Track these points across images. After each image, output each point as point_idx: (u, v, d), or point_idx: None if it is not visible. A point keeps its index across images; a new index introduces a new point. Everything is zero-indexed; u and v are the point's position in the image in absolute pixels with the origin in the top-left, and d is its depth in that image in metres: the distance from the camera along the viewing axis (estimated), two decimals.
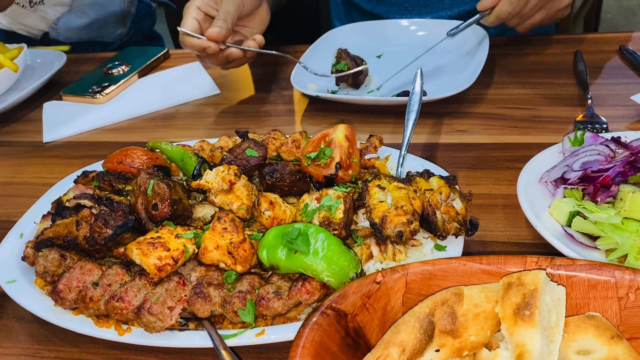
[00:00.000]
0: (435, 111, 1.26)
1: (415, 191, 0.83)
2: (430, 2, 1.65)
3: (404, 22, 1.57)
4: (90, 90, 1.53)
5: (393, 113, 1.27)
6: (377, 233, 0.80)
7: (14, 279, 0.88)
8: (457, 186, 0.87)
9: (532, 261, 0.71)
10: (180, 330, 0.77)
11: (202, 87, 1.52)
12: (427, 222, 0.82)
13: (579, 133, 0.99)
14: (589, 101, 1.21)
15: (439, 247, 0.83)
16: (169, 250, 0.79)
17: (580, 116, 1.17)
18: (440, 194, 0.83)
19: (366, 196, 0.85)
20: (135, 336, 0.76)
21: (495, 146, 1.14)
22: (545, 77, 1.36)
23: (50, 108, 1.52)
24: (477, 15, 1.35)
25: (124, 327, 0.78)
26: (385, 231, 0.79)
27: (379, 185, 0.84)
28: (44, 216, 0.98)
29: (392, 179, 0.86)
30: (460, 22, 1.38)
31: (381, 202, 0.81)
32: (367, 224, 0.85)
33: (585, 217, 0.84)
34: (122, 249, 0.84)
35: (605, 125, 1.13)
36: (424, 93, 1.26)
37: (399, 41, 1.54)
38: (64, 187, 1.06)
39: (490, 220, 0.95)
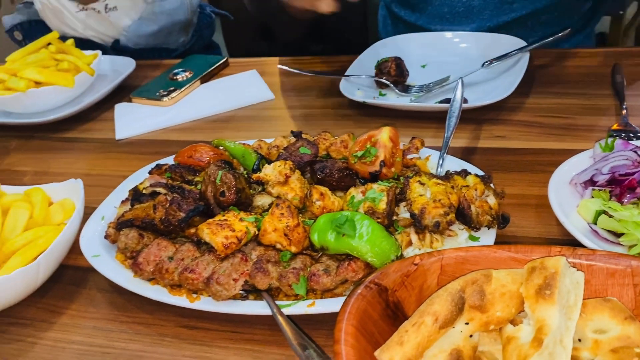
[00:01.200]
0: (476, 117, 1.34)
1: (452, 187, 0.93)
2: (470, 13, 1.72)
3: (448, 34, 1.67)
4: (158, 94, 1.69)
5: (435, 119, 1.36)
6: (417, 223, 0.90)
7: (99, 254, 1.02)
8: (491, 184, 0.96)
9: (556, 250, 0.79)
10: (242, 300, 0.89)
11: (258, 92, 1.65)
12: (462, 214, 0.91)
13: (609, 140, 1.06)
14: (624, 111, 1.27)
15: (472, 238, 0.92)
16: (234, 230, 0.91)
17: (615, 125, 1.24)
18: (476, 190, 0.92)
19: (407, 190, 0.95)
20: (204, 303, 0.88)
21: (530, 151, 1.21)
22: (582, 88, 1.43)
23: (121, 109, 1.68)
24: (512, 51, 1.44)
25: (194, 295, 0.90)
26: (424, 221, 0.89)
27: (419, 181, 0.94)
28: (122, 202, 1.12)
29: (432, 176, 0.96)
30: (496, 56, 1.48)
31: (421, 195, 0.91)
32: (407, 215, 0.95)
33: (610, 216, 0.92)
34: (192, 230, 0.97)
35: (639, 134, 1.19)
36: (464, 100, 1.36)
37: (443, 52, 1.64)
38: (139, 178, 1.21)
39: (522, 218, 1.03)
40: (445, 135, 1.11)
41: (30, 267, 0.94)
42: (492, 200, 0.93)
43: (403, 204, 0.97)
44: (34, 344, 0.95)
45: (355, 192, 0.98)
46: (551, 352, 0.68)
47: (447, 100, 1.38)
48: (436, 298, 0.73)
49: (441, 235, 0.92)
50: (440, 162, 1.08)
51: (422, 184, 0.94)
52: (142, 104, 1.70)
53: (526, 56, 1.47)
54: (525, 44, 1.53)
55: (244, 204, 0.99)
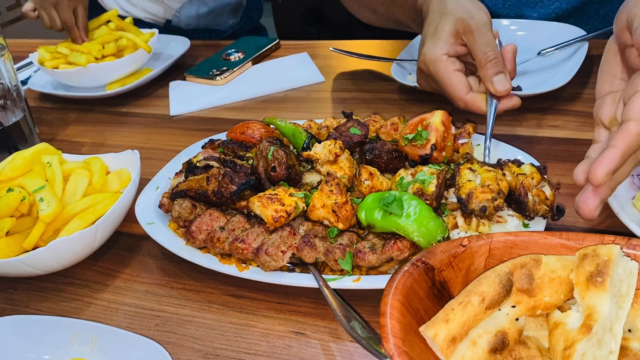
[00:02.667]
0: (530, 106, 1.32)
1: (504, 174, 0.92)
2: None
3: (505, 21, 1.63)
4: (211, 73, 1.73)
5: None
6: (463, 207, 0.90)
7: (153, 222, 1.06)
8: (546, 176, 0.94)
9: (609, 239, 0.78)
10: (289, 272, 0.91)
11: (309, 75, 1.66)
12: (517, 202, 0.91)
13: None
14: None
15: (525, 226, 0.91)
16: (283, 205, 0.93)
17: None
18: (532, 178, 0.91)
19: (457, 176, 0.95)
20: (252, 273, 0.91)
21: (585, 142, 1.18)
22: None
23: (175, 86, 1.73)
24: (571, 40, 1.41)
25: (243, 265, 0.93)
26: (470, 205, 0.88)
27: (470, 168, 0.94)
28: (176, 174, 1.15)
29: (483, 164, 0.95)
30: (554, 45, 1.44)
31: (470, 181, 0.91)
32: (456, 200, 0.95)
33: None
34: (243, 203, 1.00)
35: None
36: (519, 88, 1.34)
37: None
38: (192, 152, 1.24)
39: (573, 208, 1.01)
40: (488, 122, 1.10)
41: (88, 230, 0.99)
42: (547, 191, 0.92)
43: (452, 189, 0.97)
44: (89, 304, 1.00)
45: (405, 174, 0.98)
46: (600, 339, 0.67)
47: None
48: (484, 279, 0.73)
49: (489, 221, 0.91)
50: (487, 151, 1.07)
51: (473, 170, 0.94)
52: (196, 82, 1.74)
53: (585, 46, 1.43)
54: (584, 33, 1.48)
55: (293, 180, 1.01)
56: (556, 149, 1.18)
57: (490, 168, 0.95)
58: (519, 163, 0.97)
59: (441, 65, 1.17)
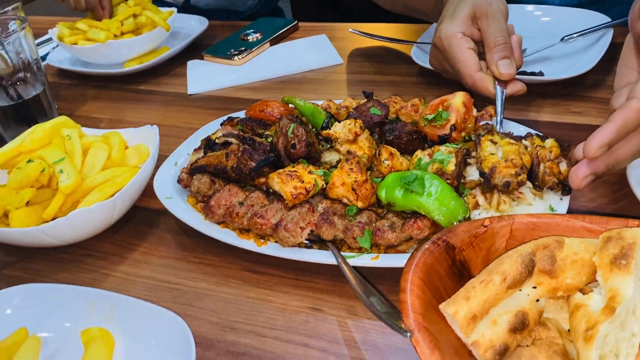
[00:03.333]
0: (552, 92, 1.30)
1: (526, 147, 0.91)
2: None
3: (529, 7, 1.61)
4: (229, 53, 1.72)
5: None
6: (486, 182, 0.89)
7: (171, 196, 1.07)
8: (568, 153, 0.93)
9: (633, 223, 0.77)
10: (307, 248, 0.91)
11: (327, 57, 1.65)
12: (530, 171, 0.90)
13: None
14: None
15: (551, 209, 0.90)
16: (302, 182, 0.93)
17: None
18: (550, 152, 0.90)
19: (478, 148, 0.94)
20: (270, 248, 0.91)
21: None
22: None
23: (193, 65, 1.73)
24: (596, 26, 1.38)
25: (261, 241, 0.93)
26: (494, 180, 0.88)
27: (491, 140, 0.93)
28: (195, 150, 1.16)
29: (505, 135, 0.94)
30: (578, 31, 1.41)
31: (492, 154, 0.90)
32: (474, 177, 0.94)
33: None
34: (262, 180, 1.00)
35: None
36: (540, 73, 1.32)
37: (521, 24, 1.57)
38: (210, 129, 1.24)
39: (596, 194, 1.00)
40: (497, 107, 1.09)
41: (108, 202, 1.00)
42: (563, 167, 0.91)
43: (470, 164, 0.96)
44: (106, 275, 1.01)
45: (422, 155, 0.98)
46: (623, 322, 0.66)
47: (523, 73, 1.34)
48: (506, 258, 0.73)
49: (509, 197, 0.90)
50: (499, 125, 1.06)
51: (494, 142, 0.93)
52: (214, 62, 1.74)
53: (609, 33, 1.40)
54: (609, 20, 1.46)
55: (312, 159, 1.00)
56: (577, 135, 1.17)
57: (512, 141, 0.94)
58: (543, 138, 0.97)
59: (455, 41, 1.19)
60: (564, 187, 0.90)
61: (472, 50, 1.18)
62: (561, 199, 0.90)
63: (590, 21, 1.46)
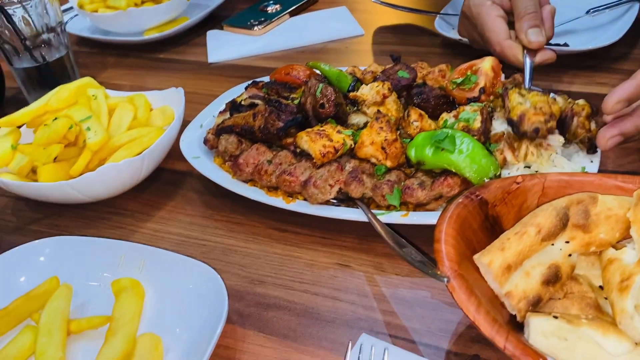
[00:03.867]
0: (577, 63, 1.29)
1: (555, 99, 0.91)
2: None
3: None
4: (249, 23, 1.72)
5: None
6: (515, 129, 0.89)
7: (198, 156, 1.07)
8: (597, 117, 0.93)
9: None
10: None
11: (348, 27, 1.65)
12: (562, 122, 0.90)
13: None
14: None
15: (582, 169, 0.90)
16: (331, 141, 0.93)
17: None
18: (583, 109, 0.90)
19: (506, 100, 0.94)
20: (299, 206, 0.92)
21: None
22: None
23: (213, 35, 1.73)
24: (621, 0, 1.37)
25: (290, 198, 0.93)
26: (523, 127, 0.88)
27: (519, 92, 0.93)
28: (220, 112, 1.16)
29: (531, 89, 0.94)
30: (604, 4, 1.40)
31: (520, 104, 0.90)
32: (500, 129, 0.94)
33: None
34: (289, 140, 1.00)
35: None
36: (565, 45, 1.31)
37: None
38: (235, 93, 1.25)
39: (624, 159, 1.00)
40: (526, 76, 1.08)
41: (136, 159, 1.00)
42: (593, 126, 0.91)
43: (495, 120, 0.97)
44: (134, 232, 1.02)
45: (448, 117, 0.97)
46: None
47: (547, 44, 1.33)
48: (540, 211, 0.73)
49: (537, 149, 0.90)
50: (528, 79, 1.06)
51: (522, 95, 0.93)
52: (233, 32, 1.73)
53: (636, 6, 1.39)
54: None
55: (340, 119, 1.00)
56: None
57: (540, 93, 0.93)
58: (574, 97, 0.97)
59: (484, 8, 1.18)
60: (591, 144, 0.90)
61: (502, 18, 1.17)
62: (591, 161, 0.90)
63: None
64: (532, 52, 1.13)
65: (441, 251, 0.69)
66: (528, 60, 1.11)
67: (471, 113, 0.93)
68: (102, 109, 1.14)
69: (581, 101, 0.93)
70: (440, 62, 1.40)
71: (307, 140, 0.93)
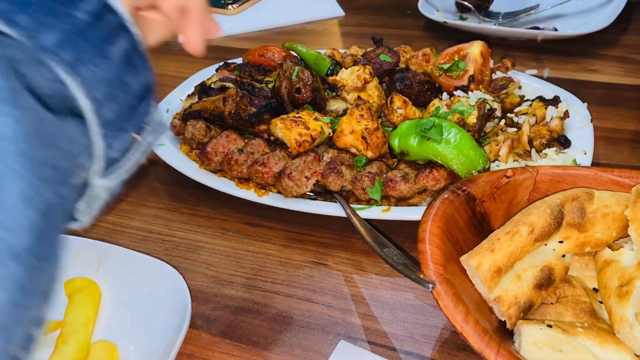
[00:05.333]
0: (566, 49, 1.24)
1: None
2: None
3: None
4: (223, 2, 1.63)
5: (520, 47, 1.26)
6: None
7: (163, 143, 0.99)
8: (557, 107, 0.89)
9: None
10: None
11: (327, 8, 1.57)
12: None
13: None
14: None
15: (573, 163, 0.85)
16: (308, 129, 0.86)
17: None
18: (534, 115, 0.86)
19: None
20: (272, 199, 0.85)
21: (626, 87, 1.11)
22: None
23: None
24: None
25: (262, 190, 0.86)
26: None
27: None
28: (188, 96, 1.08)
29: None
30: None
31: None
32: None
33: None
34: (262, 127, 0.92)
35: None
36: (554, 29, 1.25)
37: None
38: (205, 75, 1.16)
39: (615, 151, 0.95)
40: None
41: None
42: (554, 123, 0.86)
43: (492, 119, 0.91)
44: (93, 225, 0.93)
45: (440, 104, 0.91)
46: None
47: (536, 28, 1.28)
48: (534, 209, 0.67)
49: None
50: None
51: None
52: None
53: None
54: None
55: (318, 105, 0.93)
56: (594, 92, 1.11)
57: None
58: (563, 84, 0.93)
59: None
60: (561, 143, 0.85)
61: None
62: (585, 152, 0.85)
63: None
64: None
65: (425, 252, 0.62)
66: None
67: (467, 106, 0.87)
68: None
69: (534, 105, 0.89)
70: (423, 45, 1.33)
71: (282, 128, 0.85)
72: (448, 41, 1.33)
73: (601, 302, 0.66)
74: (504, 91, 0.94)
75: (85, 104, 0.43)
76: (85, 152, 0.45)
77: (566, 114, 0.88)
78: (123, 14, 0.47)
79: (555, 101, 0.90)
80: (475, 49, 0.97)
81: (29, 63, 0.40)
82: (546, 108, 0.89)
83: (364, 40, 1.42)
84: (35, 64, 0.40)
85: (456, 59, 0.97)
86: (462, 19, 1.37)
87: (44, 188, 0.38)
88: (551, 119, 0.87)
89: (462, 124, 0.84)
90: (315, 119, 0.88)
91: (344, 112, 0.94)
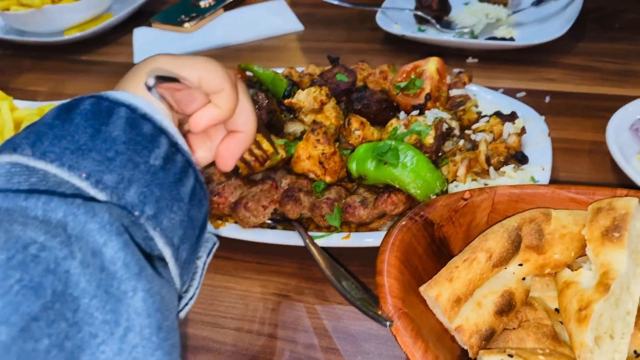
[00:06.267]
0: (523, 59, 1.24)
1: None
2: None
3: None
4: (179, 20, 1.59)
5: (478, 58, 1.26)
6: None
7: None
8: (514, 123, 0.89)
9: (621, 193, 0.72)
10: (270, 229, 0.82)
11: (286, 23, 1.55)
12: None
13: None
14: None
15: (531, 180, 0.84)
16: (260, 149, 0.83)
17: None
18: (492, 132, 0.86)
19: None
20: (230, 230, 0.82)
21: (583, 96, 1.12)
22: None
23: (140, 33, 1.59)
24: None
25: (219, 222, 0.84)
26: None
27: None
28: None
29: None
30: None
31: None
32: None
33: None
34: None
35: None
36: (512, 39, 1.26)
37: None
38: None
39: (575, 163, 0.95)
40: None
41: None
42: (511, 139, 0.86)
43: (450, 139, 0.90)
44: None
45: (397, 124, 0.90)
46: (618, 299, 0.61)
47: (493, 38, 1.28)
48: (491, 234, 0.66)
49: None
50: None
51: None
52: (162, 29, 1.60)
53: None
54: None
55: (275, 128, 0.91)
56: (552, 102, 1.11)
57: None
58: (502, 117, 0.92)
59: None
60: (518, 160, 0.85)
61: None
62: (543, 169, 0.84)
63: None
64: None
65: (384, 286, 0.61)
66: None
67: (424, 126, 0.86)
68: (6, 124, 1.01)
69: (491, 121, 0.89)
70: (382, 58, 1.33)
71: None
72: (408, 53, 1.33)
73: (562, 323, 0.65)
74: (461, 108, 0.94)
75: (166, 252, 0.45)
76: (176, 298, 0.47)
77: (523, 130, 0.88)
78: (188, 152, 0.50)
79: (512, 117, 0.90)
80: (431, 66, 0.96)
81: (131, 226, 0.43)
82: (503, 124, 0.88)
83: (323, 55, 1.40)
84: (132, 224, 0.43)
85: (413, 76, 0.96)
86: (420, 30, 1.36)
87: (175, 355, 0.42)
88: (508, 135, 0.87)
89: (419, 145, 0.83)
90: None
91: (302, 134, 0.92)
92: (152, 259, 0.44)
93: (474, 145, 0.87)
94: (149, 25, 1.63)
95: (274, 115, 0.89)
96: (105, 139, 0.45)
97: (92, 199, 0.42)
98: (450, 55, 1.28)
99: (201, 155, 0.59)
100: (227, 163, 0.59)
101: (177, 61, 0.52)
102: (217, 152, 0.59)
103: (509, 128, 0.87)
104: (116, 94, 0.48)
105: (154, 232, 0.44)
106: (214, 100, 0.54)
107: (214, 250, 0.58)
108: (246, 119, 0.58)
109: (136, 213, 0.44)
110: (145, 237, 0.44)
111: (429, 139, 0.84)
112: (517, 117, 0.89)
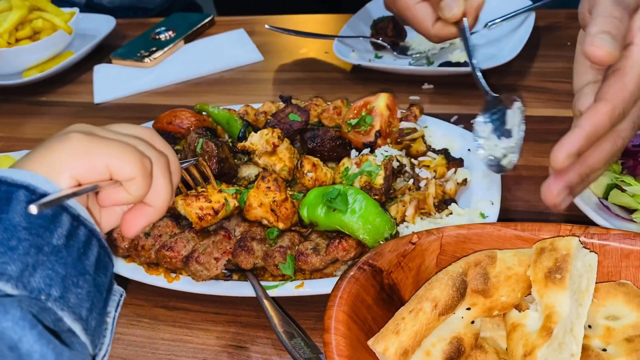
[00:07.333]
0: (475, 82, 1.25)
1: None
2: None
3: None
4: (139, 55, 1.59)
5: (434, 83, 1.28)
6: None
7: None
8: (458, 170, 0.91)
9: (566, 229, 0.73)
10: (225, 280, 0.82)
11: (246, 53, 1.55)
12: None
13: None
14: None
15: (481, 216, 0.85)
16: (210, 202, 0.83)
17: None
18: (435, 172, 0.88)
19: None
20: (183, 284, 0.82)
21: (536, 119, 1.13)
22: None
23: (100, 70, 1.58)
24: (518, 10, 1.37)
25: (173, 275, 0.83)
26: None
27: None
28: None
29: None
30: (500, 16, 1.38)
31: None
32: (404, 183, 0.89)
33: (623, 190, 0.85)
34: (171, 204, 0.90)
35: None
36: (465, 64, 1.27)
37: None
38: None
39: (527, 191, 0.96)
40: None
41: None
42: (450, 186, 0.87)
43: (401, 176, 0.90)
44: None
45: (349, 163, 0.90)
46: (561, 343, 0.62)
47: (448, 64, 1.29)
48: (436, 282, 0.67)
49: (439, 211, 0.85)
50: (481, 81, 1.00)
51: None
52: (123, 65, 1.59)
53: (532, 16, 1.37)
54: (530, 3, 1.43)
55: (227, 175, 0.91)
56: None
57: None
58: (448, 159, 0.94)
59: (403, 2, 1.15)
60: (447, 205, 0.87)
61: (424, 2, 1.13)
62: (492, 203, 0.85)
63: (512, 5, 1.43)
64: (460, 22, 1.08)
65: (331, 344, 0.61)
66: (464, 34, 1.08)
67: (374, 166, 0.86)
68: None
69: (438, 160, 0.91)
70: (340, 87, 1.34)
71: (182, 205, 0.83)
72: (366, 81, 1.34)
73: None
74: (409, 137, 0.94)
75: (76, 327, 0.47)
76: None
77: (464, 182, 0.89)
78: (90, 222, 0.51)
79: (459, 163, 0.91)
80: (380, 101, 0.97)
81: (41, 312, 0.44)
82: (448, 169, 0.89)
83: (283, 86, 1.41)
84: (42, 310, 0.44)
85: (363, 113, 0.97)
86: (377, 57, 1.38)
87: None
88: (447, 181, 0.88)
89: (369, 187, 0.84)
90: (220, 190, 0.86)
91: (257, 177, 0.92)
92: (63, 333, 0.46)
93: (418, 179, 0.88)
94: (109, 61, 1.62)
95: (225, 164, 0.89)
96: (6, 227, 0.45)
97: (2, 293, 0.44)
98: (406, 82, 1.30)
99: (106, 221, 0.61)
100: (130, 231, 0.61)
101: (89, 145, 0.52)
102: (122, 219, 0.60)
103: (451, 174, 0.89)
104: (15, 174, 0.48)
105: (62, 313, 0.46)
106: (125, 185, 0.55)
107: (121, 302, 0.58)
108: (157, 196, 0.59)
109: (43, 297, 0.45)
110: (55, 319, 0.46)
111: (379, 180, 0.85)
112: (462, 165, 0.91)
